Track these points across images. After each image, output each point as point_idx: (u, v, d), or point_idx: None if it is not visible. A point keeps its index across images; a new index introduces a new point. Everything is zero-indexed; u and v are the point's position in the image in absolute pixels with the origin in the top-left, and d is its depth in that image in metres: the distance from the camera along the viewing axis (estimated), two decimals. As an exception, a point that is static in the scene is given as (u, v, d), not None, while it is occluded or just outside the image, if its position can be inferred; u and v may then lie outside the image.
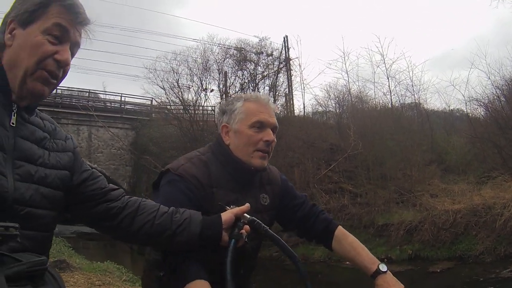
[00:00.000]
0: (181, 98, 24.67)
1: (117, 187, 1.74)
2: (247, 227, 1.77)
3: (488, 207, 13.68)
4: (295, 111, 25.93)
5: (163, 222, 1.69)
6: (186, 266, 1.68)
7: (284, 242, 1.84)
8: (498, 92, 20.98)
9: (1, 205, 1.26)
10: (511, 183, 14.95)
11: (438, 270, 12.51)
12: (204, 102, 24.35)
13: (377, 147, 19.04)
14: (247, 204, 1.85)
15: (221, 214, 1.76)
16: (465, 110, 23.46)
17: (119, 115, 27.10)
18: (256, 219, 1.81)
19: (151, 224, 1.68)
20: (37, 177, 1.40)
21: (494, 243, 12.83)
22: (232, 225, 1.75)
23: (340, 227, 2.19)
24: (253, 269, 2.19)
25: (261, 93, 2.14)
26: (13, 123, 1.37)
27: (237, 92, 21.94)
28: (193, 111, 23.69)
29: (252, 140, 1.92)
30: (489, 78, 20.51)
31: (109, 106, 29.26)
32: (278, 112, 22.50)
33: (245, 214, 1.80)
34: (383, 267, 1.95)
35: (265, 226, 1.84)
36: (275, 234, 1.83)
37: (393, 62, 23.38)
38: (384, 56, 22.99)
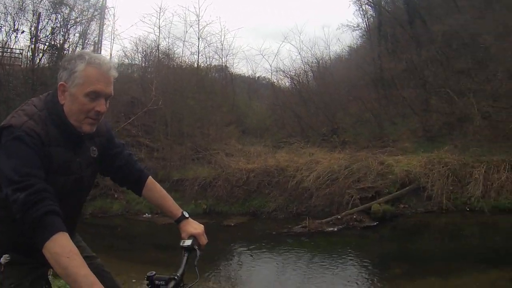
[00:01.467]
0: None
1: None
2: None
3: (281, 169, 14.43)
4: None
5: None
6: (50, 218, 1.70)
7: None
8: (306, 68, 22.98)
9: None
10: (306, 150, 16.23)
11: (232, 224, 12.80)
12: (14, 44, 20.55)
13: (177, 104, 18.89)
14: None
15: None
16: (271, 79, 25.03)
17: None
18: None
19: None
20: None
21: (286, 201, 13.57)
22: None
23: (150, 177, 2.39)
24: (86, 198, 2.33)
25: (105, 58, 2.04)
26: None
27: (47, 36, 19.55)
28: (1, 54, 19.90)
29: (85, 109, 1.94)
30: (300, 54, 22.19)
31: None
32: None
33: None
34: (186, 214, 2.31)
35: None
36: None
37: (207, 24, 23.46)
38: (199, 17, 22.86)
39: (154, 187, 2.38)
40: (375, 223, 11.61)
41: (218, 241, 10.81)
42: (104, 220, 13.83)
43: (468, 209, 11.68)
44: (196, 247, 2.14)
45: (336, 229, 11.44)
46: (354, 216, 11.89)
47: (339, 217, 11.92)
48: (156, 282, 1.83)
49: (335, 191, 12.81)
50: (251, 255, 10.10)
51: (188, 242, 2.13)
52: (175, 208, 2.33)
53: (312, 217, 12.01)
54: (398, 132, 17.40)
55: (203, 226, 2.28)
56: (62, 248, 1.65)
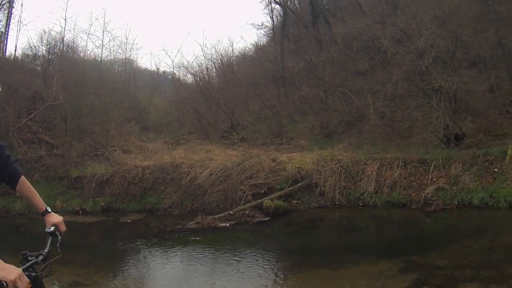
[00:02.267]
0: None
1: None
2: None
3: (176, 166, 14.27)
4: (6, 53, 23.70)
5: None
6: None
7: None
8: (209, 64, 22.46)
9: None
10: (202, 147, 16.05)
11: (129, 221, 12.67)
12: None
13: (78, 100, 18.41)
14: None
15: None
16: (174, 75, 24.59)
17: None
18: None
19: None
20: None
21: (181, 198, 13.43)
22: None
23: (23, 177, 2.72)
24: None
25: None
26: None
27: None
28: None
29: None
30: (203, 50, 21.90)
31: None
32: None
33: None
34: (49, 208, 2.70)
35: None
36: None
37: (112, 18, 22.60)
38: (105, 10, 21.86)
39: (25, 184, 2.75)
40: (268, 218, 11.65)
41: (116, 238, 11.07)
42: (7, 220, 13.75)
43: (361, 204, 11.87)
44: (57, 233, 2.60)
45: (228, 224, 11.39)
46: (247, 212, 11.90)
47: (231, 212, 11.90)
48: (29, 258, 2.22)
49: (228, 187, 12.80)
50: (149, 251, 9.96)
51: (51, 228, 2.60)
52: (41, 203, 2.73)
53: (207, 213, 12.08)
54: (297, 129, 17.64)
55: (62, 217, 2.70)
56: None
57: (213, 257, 9.07)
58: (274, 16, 23.60)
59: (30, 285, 1.94)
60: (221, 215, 11.77)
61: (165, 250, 9.97)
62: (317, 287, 6.72)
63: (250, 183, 12.66)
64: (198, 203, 13.04)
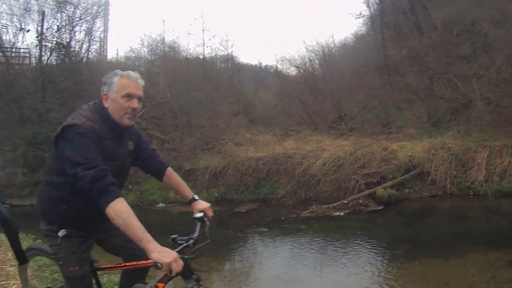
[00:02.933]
0: (-3, 39, 20.60)
1: None
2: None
3: (288, 156, 14.79)
4: (108, 57, 25.61)
5: None
6: (113, 188, 2.30)
7: None
8: (312, 56, 23.15)
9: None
10: (313, 137, 16.56)
11: (243, 211, 13.21)
12: (21, 44, 20.93)
13: (185, 96, 19.37)
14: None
15: None
16: (277, 68, 25.13)
17: None
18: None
19: None
20: None
21: (294, 188, 14.00)
22: None
23: (169, 168, 3.10)
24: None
25: (133, 73, 2.69)
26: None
27: (53, 34, 19.93)
28: (10, 54, 20.26)
29: (123, 107, 2.58)
30: (304, 42, 22.40)
31: None
32: (93, 57, 22.87)
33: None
34: (196, 196, 2.99)
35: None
36: None
37: (211, 16, 23.91)
38: (202, 10, 23.26)
39: (172, 175, 3.09)
40: (381, 207, 11.95)
41: (230, 227, 11.32)
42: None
43: (471, 193, 11.98)
44: (205, 219, 2.82)
45: (342, 213, 11.79)
46: (360, 201, 12.26)
47: (345, 201, 12.28)
48: (179, 242, 2.45)
49: (341, 177, 13.14)
50: (261, 240, 10.46)
51: (199, 214, 2.81)
52: (188, 192, 3.03)
53: (320, 203, 12.45)
54: (404, 118, 17.59)
55: (210, 204, 2.96)
56: (123, 207, 2.25)
57: (325, 245, 9.37)
58: (370, 5, 23.54)
59: (183, 267, 2.17)
60: (335, 204, 12.19)
61: (278, 238, 10.41)
62: (428, 275, 6.94)
63: (363, 172, 13.02)
64: (311, 192, 13.54)
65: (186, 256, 2.34)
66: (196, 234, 2.62)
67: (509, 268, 6.91)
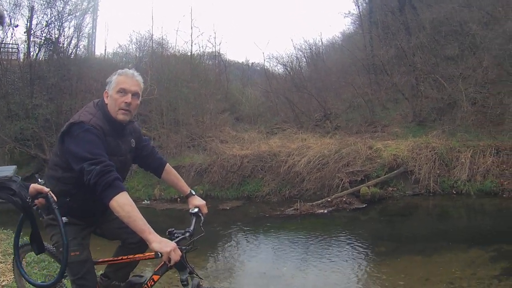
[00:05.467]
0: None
1: None
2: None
3: (273, 154, 14.88)
4: (96, 53, 25.93)
5: None
6: (118, 183, 2.43)
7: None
8: (299, 54, 23.19)
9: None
10: (298, 135, 16.60)
11: (228, 208, 13.26)
12: (10, 40, 20.58)
13: (172, 93, 19.36)
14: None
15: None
16: (264, 66, 25.22)
17: None
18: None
19: None
20: None
21: (279, 185, 14.08)
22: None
23: (168, 164, 3.25)
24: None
25: (130, 70, 2.81)
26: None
27: (42, 30, 19.87)
28: None
29: (117, 102, 2.69)
30: (292, 40, 22.42)
31: None
32: (81, 53, 22.92)
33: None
34: (193, 192, 3.16)
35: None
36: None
37: (199, 14, 23.83)
38: (191, 7, 23.21)
39: (170, 171, 3.24)
40: (364, 205, 12.03)
41: (215, 224, 11.23)
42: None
43: (454, 192, 12.07)
44: (200, 214, 2.99)
45: (326, 211, 11.88)
46: (344, 199, 12.31)
47: (329, 199, 12.34)
48: (176, 234, 2.61)
49: (325, 175, 13.24)
50: (245, 236, 10.50)
51: (195, 210, 3.00)
52: (186, 188, 3.20)
53: (304, 200, 12.50)
54: (390, 117, 17.73)
55: (205, 202, 3.12)
56: (126, 200, 2.41)
57: (309, 242, 9.47)
58: (359, 4, 23.68)
59: (180, 258, 2.36)
60: (319, 201, 12.27)
61: (262, 235, 10.49)
62: (412, 272, 7.00)
63: (347, 171, 13.09)
64: (296, 190, 13.59)
65: (183, 247, 2.52)
66: (191, 228, 2.77)
67: (489, 265, 6.99)
